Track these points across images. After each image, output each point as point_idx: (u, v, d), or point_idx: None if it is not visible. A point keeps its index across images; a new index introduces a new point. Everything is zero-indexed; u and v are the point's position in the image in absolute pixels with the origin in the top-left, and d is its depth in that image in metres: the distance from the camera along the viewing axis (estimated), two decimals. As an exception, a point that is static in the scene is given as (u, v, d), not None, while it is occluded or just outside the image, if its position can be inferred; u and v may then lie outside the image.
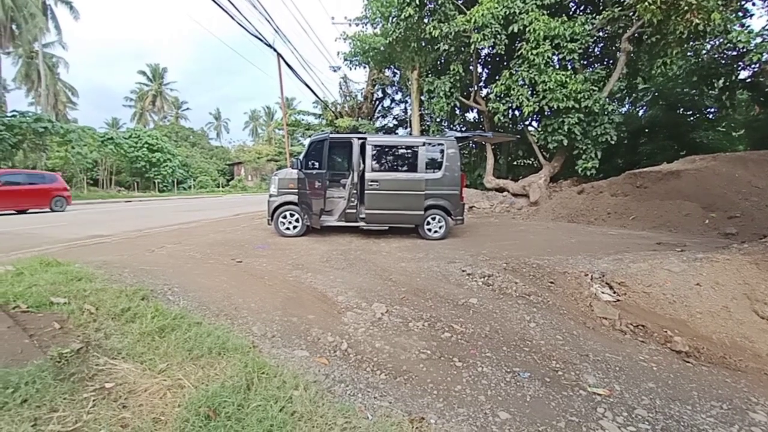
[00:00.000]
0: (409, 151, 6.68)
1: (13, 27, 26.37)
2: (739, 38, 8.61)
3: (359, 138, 6.78)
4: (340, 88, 19.70)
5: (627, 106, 16.16)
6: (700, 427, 2.18)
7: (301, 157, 6.63)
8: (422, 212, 6.57)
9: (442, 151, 6.76)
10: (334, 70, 18.42)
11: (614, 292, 4.09)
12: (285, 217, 6.77)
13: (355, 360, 2.69)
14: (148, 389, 1.84)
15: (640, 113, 16.66)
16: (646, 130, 15.26)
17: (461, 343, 3.06)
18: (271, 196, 6.84)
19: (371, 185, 6.48)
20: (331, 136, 6.74)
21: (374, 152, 6.59)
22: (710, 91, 13.21)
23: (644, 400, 2.45)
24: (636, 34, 10.28)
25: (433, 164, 6.74)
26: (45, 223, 9.25)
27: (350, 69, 16.17)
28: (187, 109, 54.17)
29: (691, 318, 3.57)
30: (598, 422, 2.18)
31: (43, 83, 29.25)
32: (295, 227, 6.79)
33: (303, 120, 21.53)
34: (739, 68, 11.64)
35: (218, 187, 38.86)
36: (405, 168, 6.67)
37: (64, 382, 1.80)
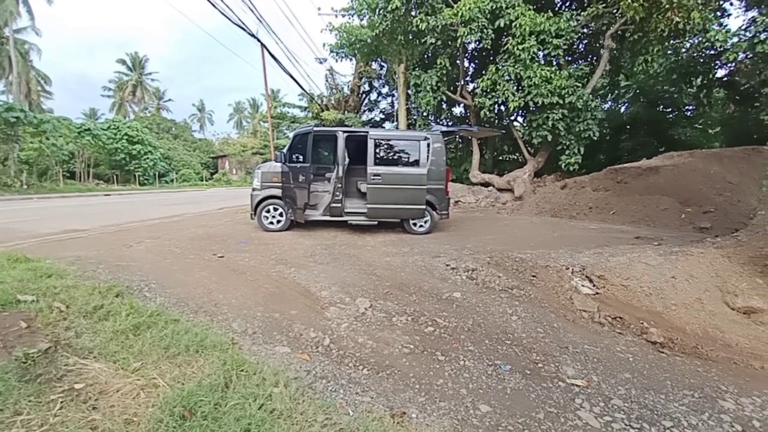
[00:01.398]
0: (410, 145, 6.67)
1: (-20, 11, 25.04)
2: (717, 37, 8.83)
3: (344, 131, 6.70)
4: (327, 81, 19.43)
5: (609, 102, 16.46)
6: (672, 415, 2.25)
7: (285, 150, 6.52)
8: (424, 206, 6.58)
9: (428, 146, 6.76)
10: (320, 62, 18.17)
11: (594, 285, 4.17)
12: (269, 211, 6.67)
13: (338, 355, 2.67)
14: (121, 389, 1.78)
15: (622, 110, 16.99)
16: (628, 127, 15.58)
17: (444, 337, 3.08)
18: (254, 189, 6.71)
19: (374, 179, 6.45)
20: (315, 129, 6.64)
21: (377, 146, 6.56)
22: (689, 89, 13.55)
23: (620, 390, 2.51)
24: (619, 32, 10.44)
25: None
26: (18, 217, 8.88)
27: (336, 61, 16.07)
28: (169, 100, 52.72)
29: (666, 310, 3.68)
30: (576, 413, 2.23)
31: (15, 71, 27.92)
32: (278, 221, 6.69)
33: (288, 112, 21.21)
34: (716, 67, 11.97)
35: (202, 180, 38.01)
36: (407, 162, 6.66)
37: (29, 383, 1.72)
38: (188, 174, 36.73)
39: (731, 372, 2.88)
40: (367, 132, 6.70)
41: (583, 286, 4.16)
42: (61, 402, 1.65)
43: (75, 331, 2.23)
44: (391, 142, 6.75)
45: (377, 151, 6.56)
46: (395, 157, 6.71)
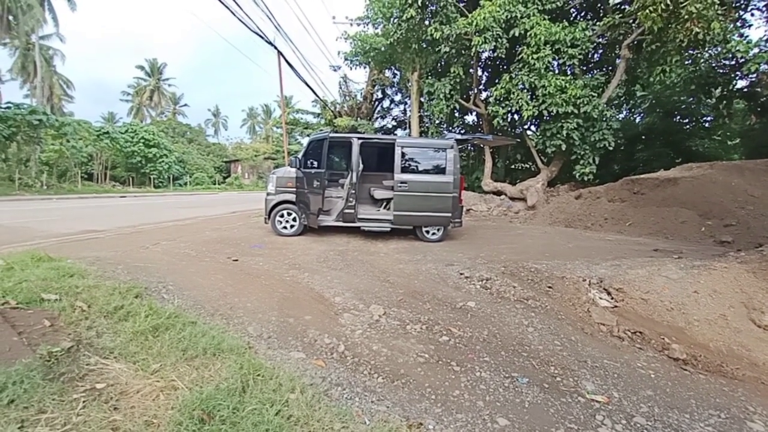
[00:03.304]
0: (437, 153, 6.67)
1: (10, 18, 26.08)
2: (737, 48, 8.69)
3: (359, 138, 6.74)
4: (340, 88, 19.64)
5: (624, 112, 16.25)
6: (699, 436, 2.17)
7: (299, 155, 6.58)
8: (450, 214, 6.58)
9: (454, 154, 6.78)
10: (334, 70, 18.38)
11: (612, 298, 4.08)
12: (282, 216, 6.71)
13: (353, 363, 2.65)
14: (141, 390, 1.79)
15: (637, 120, 16.76)
16: (643, 137, 15.35)
17: (459, 347, 3.03)
18: (268, 194, 6.77)
19: (401, 187, 6.48)
20: (330, 135, 6.69)
21: (403, 154, 6.59)
22: (708, 100, 13.32)
23: (643, 407, 2.43)
24: (635, 42, 10.34)
25: None
26: (38, 216, 9.12)
27: (350, 69, 16.17)
28: (185, 105, 53.83)
29: (688, 325, 3.57)
30: (597, 430, 2.16)
31: (39, 75, 28.90)
32: (292, 226, 6.73)
33: (302, 119, 21.45)
34: (737, 78, 11.75)
35: (214, 184, 38.63)
36: (433, 170, 6.66)
37: (53, 382, 1.74)
38: (201, 177, 37.37)
39: (759, 392, 2.77)
40: (395, 140, 6.76)
41: (600, 298, 4.07)
42: (84, 401, 1.67)
43: (96, 330, 2.25)
44: (417, 150, 6.75)
45: (404, 158, 6.58)
46: (422, 165, 6.71)
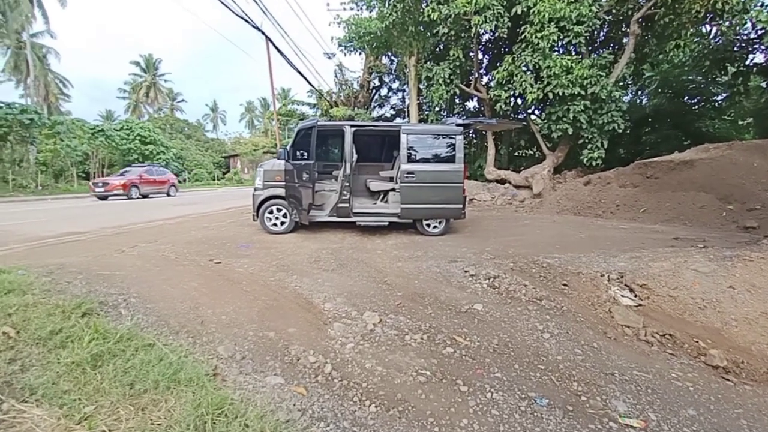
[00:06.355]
0: (445, 140, 6.19)
1: (-1, 15, 25.49)
2: (758, 18, 8.06)
3: (352, 125, 6.24)
4: (336, 76, 19.04)
5: (629, 94, 15.57)
6: (763, 475, 1.76)
7: (288, 146, 6.11)
8: (461, 205, 6.14)
9: (462, 140, 6.32)
10: (329, 57, 17.83)
11: (636, 296, 3.65)
12: (271, 212, 6.27)
13: (340, 387, 2.25)
14: (57, 449, 1.39)
15: (643, 102, 16.09)
16: (650, 120, 14.72)
17: (466, 361, 2.63)
18: (256, 189, 6.33)
19: (407, 177, 6.03)
20: (319, 123, 6.16)
21: (409, 142, 6.11)
22: (722, 77, 12.60)
23: (687, 434, 2.03)
24: (645, 17, 9.70)
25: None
26: (26, 218, 8.72)
27: (345, 55, 15.70)
28: (183, 101, 53.07)
29: (725, 326, 3.15)
30: (638, 470, 1.76)
31: (32, 74, 28.40)
32: (282, 223, 6.29)
33: (297, 110, 20.90)
34: (755, 51, 11.06)
35: (214, 179, 38.18)
36: (442, 158, 6.19)
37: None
38: (200, 173, 36.92)
39: (818, 406, 2.36)
40: (398, 127, 6.31)
41: (622, 296, 3.64)
42: (-27, 472, 1.27)
43: (22, 363, 1.84)
44: (424, 137, 6.24)
45: (410, 147, 6.10)
46: (429, 153, 6.22)
